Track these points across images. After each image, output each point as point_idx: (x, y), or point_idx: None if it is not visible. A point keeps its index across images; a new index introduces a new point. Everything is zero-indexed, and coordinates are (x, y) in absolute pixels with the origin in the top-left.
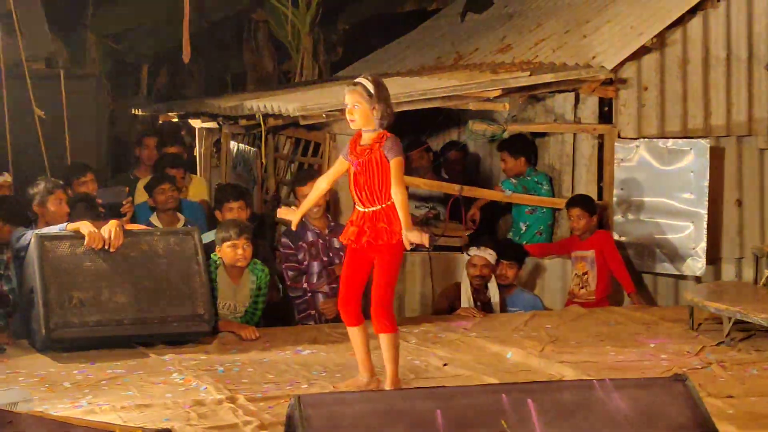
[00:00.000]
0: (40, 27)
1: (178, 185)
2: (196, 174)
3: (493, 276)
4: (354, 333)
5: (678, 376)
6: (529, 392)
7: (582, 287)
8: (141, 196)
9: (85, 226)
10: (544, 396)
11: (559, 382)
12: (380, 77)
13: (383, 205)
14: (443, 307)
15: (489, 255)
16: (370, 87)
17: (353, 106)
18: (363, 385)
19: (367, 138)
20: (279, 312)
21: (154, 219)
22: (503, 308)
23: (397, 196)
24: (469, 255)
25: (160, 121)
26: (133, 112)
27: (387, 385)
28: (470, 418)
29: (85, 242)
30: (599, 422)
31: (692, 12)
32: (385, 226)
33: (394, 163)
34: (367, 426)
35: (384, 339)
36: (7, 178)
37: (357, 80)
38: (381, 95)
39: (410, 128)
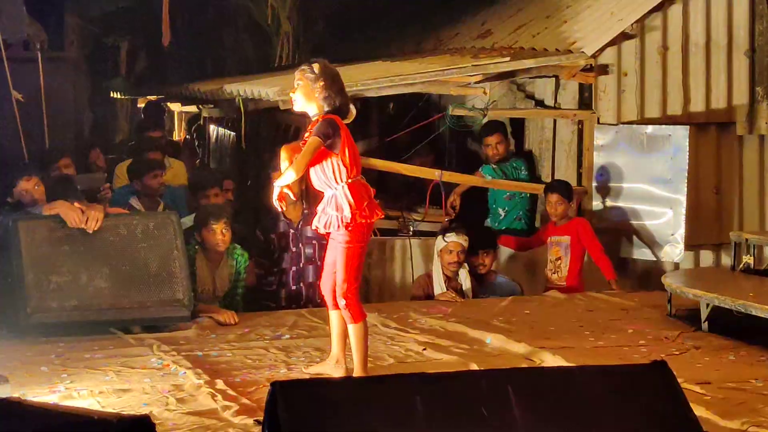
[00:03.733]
0: (17, 9)
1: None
2: (175, 158)
3: (465, 265)
4: (332, 316)
5: (657, 362)
6: (508, 379)
7: (554, 272)
8: (120, 180)
9: (62, 207)
10: (524, 382)
11: (539, 369)
12: (329, 63)
13: (333, 190)
14: (418, 295)
15: (464, 240)
16: (316, 68)
17: (296, 86)
18: (330, 368)
19: (313, 121)
20: (258, 296)
21: (134, 202)
22: (483, 296)
23: (287, 171)
24: (445, 241)
25: (141, 105)
26: (111, 95)
27: (355, 374)
28: (450, 405)
29: (67, 220)
30: (578, 409)
31: None
32: (333, 212)
33: (308, 141)
34: (348, 412)
35: (349, 329)
36: None
37: (307, 63)
38: (326, 77)
39: (392, 113)
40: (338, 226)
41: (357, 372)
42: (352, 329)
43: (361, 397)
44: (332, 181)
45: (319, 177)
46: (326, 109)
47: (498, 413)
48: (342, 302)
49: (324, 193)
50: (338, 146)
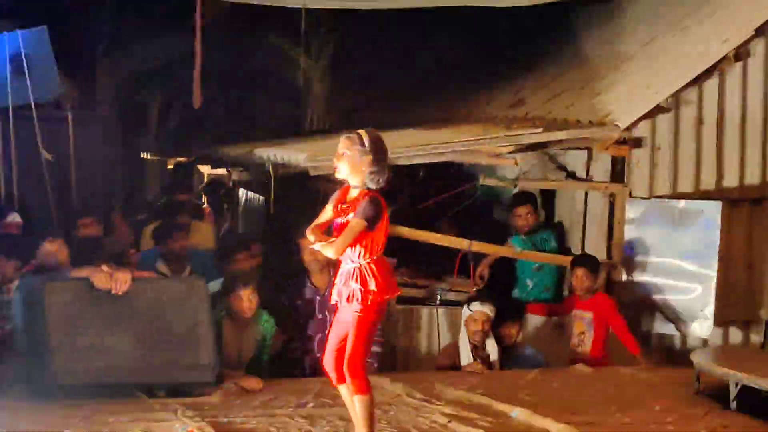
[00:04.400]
0: (49, 70)
1: (187, 230)
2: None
3: (491, 333)
4: (343, 391)
5: None
6: None
7: (579, 345)
8: (147, 242)
9: (90, 270)
10: None
11: None
12: (380, 136)
13: (357, 264)
14: (444, 364)
15: (489, 310)
16: (365, 139)
17: (342, 153)
18: None
19: (352, 194)
20: (283, 363)
21: (161, 266)
22: (509, 367)
23: (326, 248)
24: (470, 310)
25: (170, 166)
26: (141, 155)
27: None
28: None
29: (95, 283)
30: None
31: (708, 72)
32: (357, 285)
33: (353, 222)
34: None
35: (355, 400)
36: (16, 218)
37: (355, 132)
38: (375, 150)
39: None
40: (361, 300)
41: None
42: (358, 400)
43: None
44: (359, 256)
45: (347, 251)
46: (371, 185)
47: None
48: (350, 373)
49: (343, 264)
50: (377, 225)
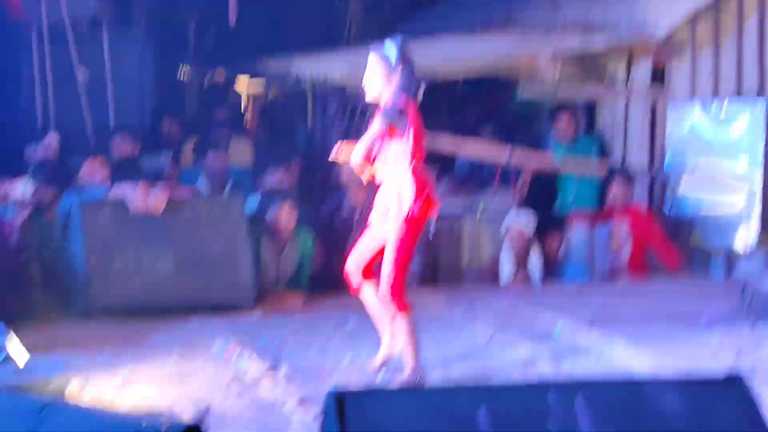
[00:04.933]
0: None
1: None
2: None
3: (534, 246)
4: (366, 295)
5: (733, 376)
6: (576, 390)
7: (617, 258)
8: (187, 158)
9: (127, 191)
10: (593, 396)
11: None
12: (407, 45)
13: (393, 176)
14: (487, 278)
15: (525, 225)
16: (392, 55)
17: (370, 71)
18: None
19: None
20: (324, 278)
21: (201, 183)
22: (552, 279)
23: (347, 155)
24: (509, 224)
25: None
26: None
27: (407, 372)
28: (515, 418)
29: (130, 205)
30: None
31: None
32: (394, 196)
33: (373, 124)
34: (407, 425)
35: (399, 320)
36: (53, 138)
37: (380, 45)
38: (404, 64)
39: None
40: (398, 217)
41: (409, 367)
42: (399, 319)
43: (423, 409)
44: (394, 166)
45: (380, 161)
46: (399, 96)
47: (566, 426)
48: (387, 295)
49: (386, 177)
50: (405, 129)
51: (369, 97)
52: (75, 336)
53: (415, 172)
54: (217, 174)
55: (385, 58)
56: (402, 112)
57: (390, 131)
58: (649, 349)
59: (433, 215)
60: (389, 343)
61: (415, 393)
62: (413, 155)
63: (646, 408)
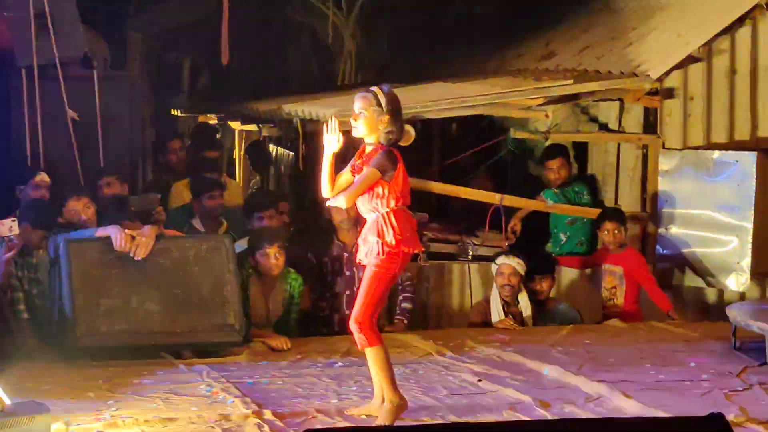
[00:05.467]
0: (74, 27)
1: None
2: (233, 178)
3: (524, 289)
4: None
5: (714, 415)
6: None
7: (610, 300)
8: (176, 198)
9: (113, 231)
10: None
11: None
12: (395, 94)
13: (376, 215)
14: (476, 321)
15: (517, 264)
16: (381, 97)
17: (359, 113)
18: (374, 409)
19: (368, 150)
20: (311, 321)
21: (196, 223)
22: (542, 323)
23: (338, 199)
24: (496, 264)
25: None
26: (172, 112)
27: (384, 405)
28: None
29: (115, 245)
30: None
31: (740, 21)
32: (375, 238)
33: (365, 172)
34: None
35: (367, 354)
36: (44, 177)
37: (370, 88)
38: (391, 109)
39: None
40: (378, 252)
41: (388, 397)
42: (370, 353)
43: None
44: (378, 207)
45: (365, 202)
46: (386, 142)
47: None
48: (355, 326)
49: (366, 219)
50: (392, 176)
51: (355, 135)
52: (60, 378)
53: (396, 214)
54: (208, 214)
55: (374, 102)
56: (391, 161)
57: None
58: (637, 392)
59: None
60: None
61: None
62: (396, 200)
63: None
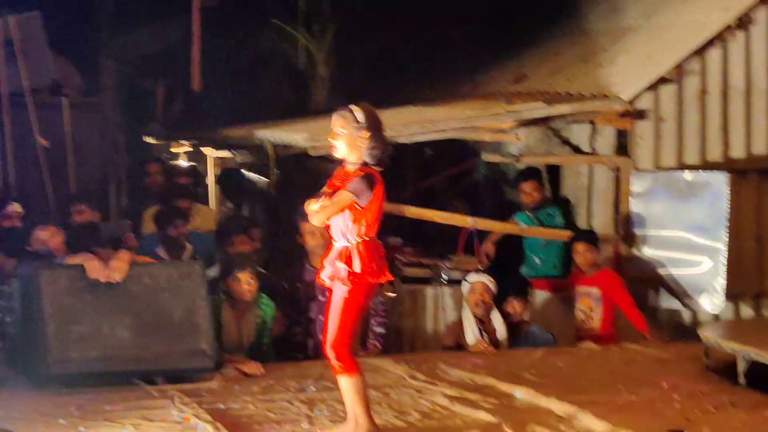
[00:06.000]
0: (42, 53)
1: (187, 216)
2: (205, 204)
3: (496, 310)
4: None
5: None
6: None
7: (585, 322)
8: (148, 225)
9: (85, 258)
10: None
11: None
12: (373, 110)
13: (346, 243)
14: (449, 344)
15: (489, 281)
16: (359, 115)
17: (338, 132)
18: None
19: (349, 170)
20: (285, 346)
21: (160, 251)
22: (516, 345)
23: (315, 214)
24: (468, 282)
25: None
26: (144, 139)
27: (360, 429)
28: None
29: (89, 273)
30: None
31: (711, 42)
32: (343, 265)
33: (341, 194)
34: None
35: (342, 382)
36: (16, 207)
37: (347, 107)
38: (371, 126)
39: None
40: (343, 280)
41: (362, 425)
42: (346, 382)
43: None
44: (349, 234)
45: (337, 226)
46: (370, 161)
47: None
48: (332, 354)
49: (334, 243)
50: (367, 200)
51: (337, 156)
52: (31, 405)
53: (368, 242)
54: (176, 242)
55: (352, 120)
56: (368, 188)
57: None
58: (608, 413)
59: (383, 282)
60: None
61: None
62: (368, 228)
63: None
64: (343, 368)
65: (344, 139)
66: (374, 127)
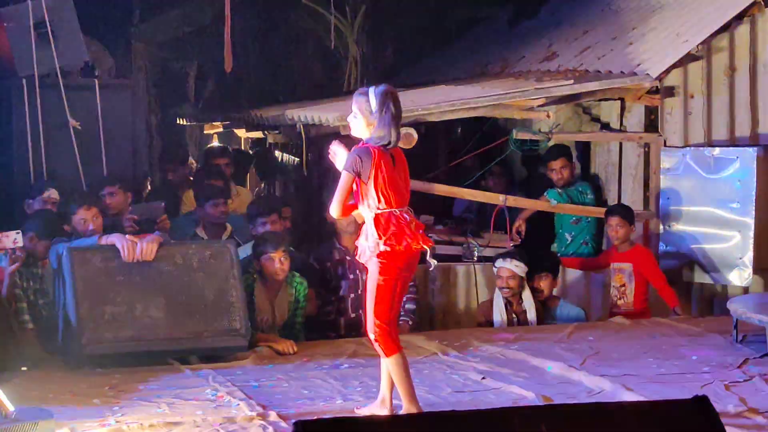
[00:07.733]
0: (74, 35)
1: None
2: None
3: (528, 289)
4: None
5: (697, 398)
6: (542, 417)
7: (620, 298)
8: (187, 206)
9: (117, 238)
10: (559, 420)
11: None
12: (392, 93)
13: (366, 217)
14: (482, 323)
15: (515, 266)
16: (373, 101)
17: (353, 112)
18: (376, 408)
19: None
20: (318, 325)
21: (199, 231)
22: (547, 322)
23: (331, 210)
24: (495, 267)
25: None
26: (177, 121)
27: (404, 410)
28: None
29: (123, 255)
30: None
31: (739, 18)
32: (364, 241)
33: (340, 177)
34: None
35: (384, 363)
36: (53, 194)
37: (366, 89)
38: (383, 110)
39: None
40: (369, 256)
41: (405, 406)
42: (387, 363)
43: None
44: (366, 209)
45: (360, 204)
46: (377, 140)
47: None
48: (372, 336)
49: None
50: (367, 175)
51: (352, 134)
52: (65, 385)
53: (380, 215)
54: (212, 222)
55: (366, 104)
56: (362, 159)
57: (357, 178)
58: (638, 385)
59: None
60: (379, 403)
61: (374, 421)
62: (380, 199)
63: (617, 428)
64: (384, 349)
65: (358, 119)
66: (386, 109)
